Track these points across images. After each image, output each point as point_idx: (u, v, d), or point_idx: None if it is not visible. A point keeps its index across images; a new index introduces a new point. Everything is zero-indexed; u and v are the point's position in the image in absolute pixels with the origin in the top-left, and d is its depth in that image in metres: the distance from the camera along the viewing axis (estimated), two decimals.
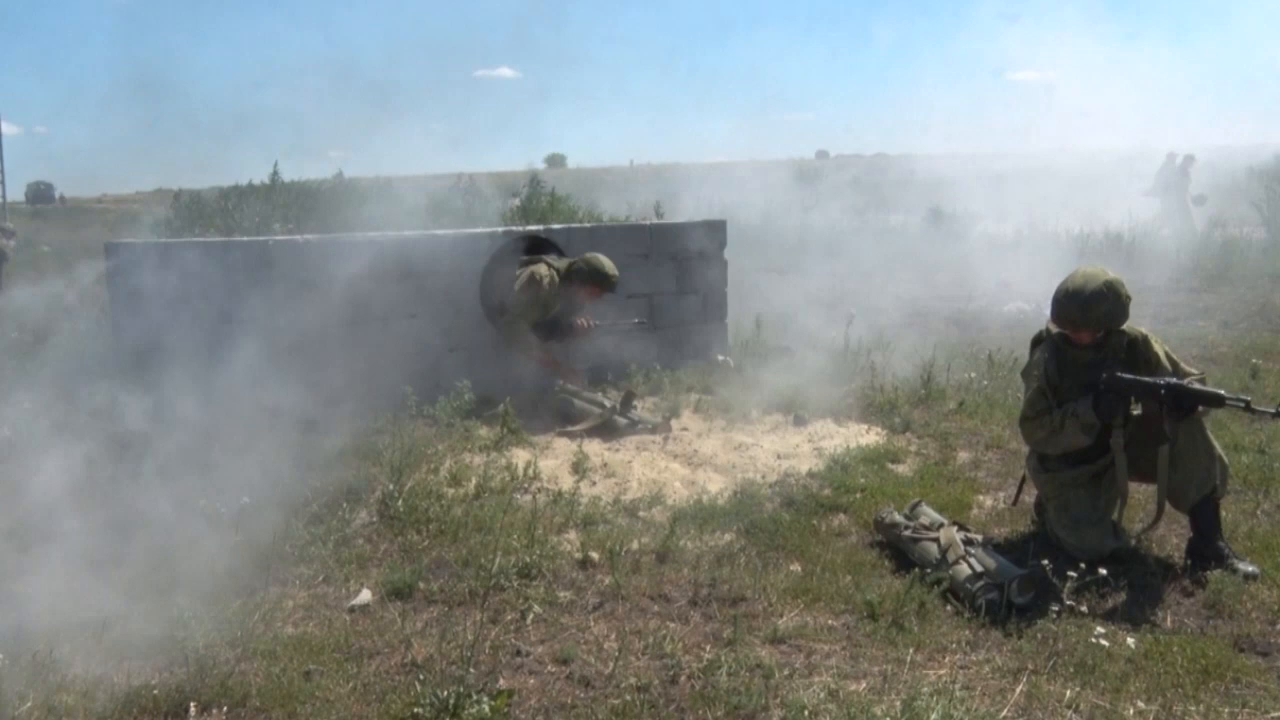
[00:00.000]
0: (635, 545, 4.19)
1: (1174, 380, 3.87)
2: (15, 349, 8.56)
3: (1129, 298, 4.01)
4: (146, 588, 3.84)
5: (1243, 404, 3.79)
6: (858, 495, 4.78)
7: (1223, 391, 3.85)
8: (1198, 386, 3.88)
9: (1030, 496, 4.49)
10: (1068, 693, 3.02)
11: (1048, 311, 4.16)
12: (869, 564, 4.04)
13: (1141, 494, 4.36)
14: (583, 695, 3.05)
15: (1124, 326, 4.07)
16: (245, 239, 7.86)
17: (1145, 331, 4.15)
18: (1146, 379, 3.89)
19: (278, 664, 3.22)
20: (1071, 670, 3.16)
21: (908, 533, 4.07)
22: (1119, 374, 3.93)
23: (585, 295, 6.54)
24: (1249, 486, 4.78)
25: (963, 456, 5.48)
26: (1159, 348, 4.08)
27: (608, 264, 6.47)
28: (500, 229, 7.39)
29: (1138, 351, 4.06)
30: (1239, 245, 15.14)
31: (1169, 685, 3.06)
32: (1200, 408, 3.88)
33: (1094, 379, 3.96)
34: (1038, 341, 4.25)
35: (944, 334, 10.00)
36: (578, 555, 4.09)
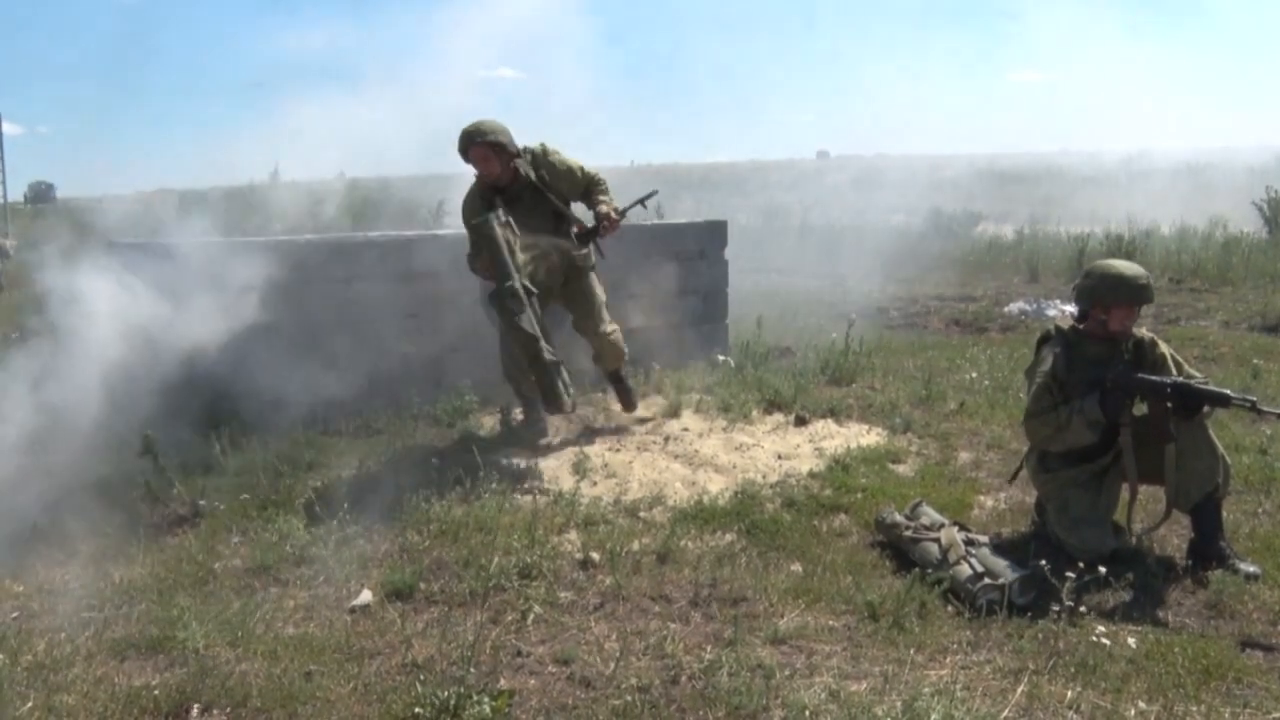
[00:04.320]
0: (636, 546, 4.19)
1: (1181, 379, 3.88)
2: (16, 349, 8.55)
3: None
4: (147, 586, 3.85)
5: (1249, 404, 3.79)
6: (858, 495, 4.77)
7: (1229, 391, 3.85)
8: (1205, 386, 3.89)
9: (1030, 496, 4.49)
10: (1069, 693, 3.02)
11: (1051, 311, 4.18)
12: (870, 564, 4.03)
13: (1143, 493, 4.35)
14: (583, 696, 3.05)
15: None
16: (245, 239, 7.86)
17: (1151, 334, 4.16)
18: (1154, 378, 3.90)
19: (278, 664, 3.22)
20: (1073, 670, 3.15)
21: (909, 533, 4.06)
22: (1128, 372, 3.94)
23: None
24: (1250, 487, 4.78)
25: (963, 457, 5.48)
26: (1165, 350, 4.10)
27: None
28: None
29: (1144, 352, 4.08)
30: (1240, 245, 15.13)
31: (1170, 685, 3.06)
32: (1205, 408, 3.88)
33: (1102, 376, 3.97)
34: (1044, 340, 4.25)
35: (945, 334, 10.01)
36: (578, 556, 4.09)
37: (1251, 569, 3.81)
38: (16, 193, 38.25)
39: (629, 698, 3.00)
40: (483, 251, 5.06)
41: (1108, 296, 4.02)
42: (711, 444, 5.66)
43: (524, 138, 5.44)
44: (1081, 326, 4.12)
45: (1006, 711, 2.93)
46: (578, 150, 5.65)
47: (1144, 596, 3.71)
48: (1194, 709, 2.94)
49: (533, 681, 3.14)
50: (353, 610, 3.65)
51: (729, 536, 4.34)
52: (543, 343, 4.99)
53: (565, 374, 5.16)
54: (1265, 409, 3.82)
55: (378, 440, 5.50)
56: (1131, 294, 3.99)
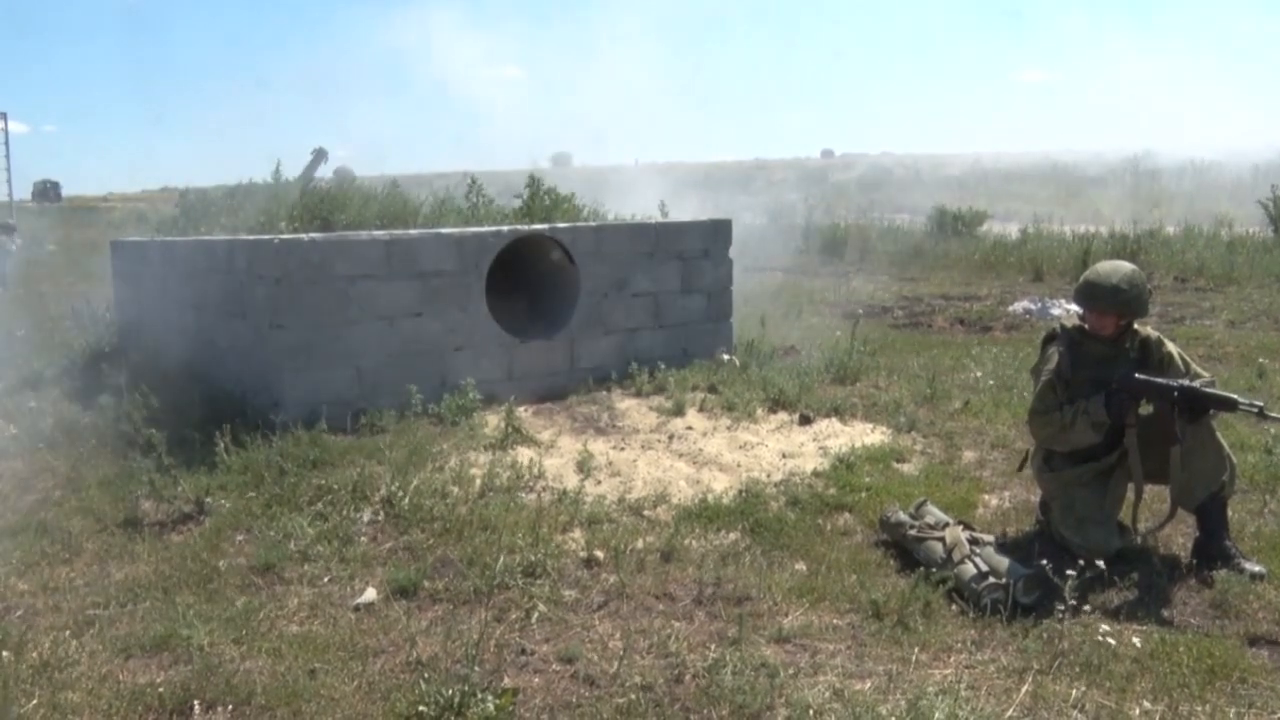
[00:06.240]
0: (640, 544, 4.19)
1: (1187, 383, 3.86)
2: (21, 346, 8.58)
3: (1150, 291, 4.13)
4: (151, 584, 3.85)
5: (1255, 409, 3.76)
6: (863, 494, 4.77)
7: (1236, 396, 3.84)
8: (1211, 390, 3.87)
9: (1035, 496, 4.48)
10: (1073, 692, 3.01)
11: (1056, 310, 4.19)
12: (874, 563, 4.03)
13: (1148, 493, 4.34)
14: (587, 694, 3.05)
15: (1136, 326, 4.09)
16: (250, 238, 7.87)
17: (1157, 333, 4.15)
18: (1159, 380, 3.88)
19: (282, 662, 3.22)
20: (1077, 670, 3.15)
21: (913, 532, 4.06)
22: (1133, 374, 3.92)
23: None
24: (1255, 486, 4.77)
25: (968, 456, 5.47)
26: (1172, 348, 4.09)
27: None
28: (505, 228, 7.39)
29: (1150, 351, 4.06)
30: (1245, 245, 15.10)
31: (1175, 685, 3.05)
32: (1211, 410, 3.87)
33: (1107, 375, 3.95)
34: (1049, 339, 4.25)
35: (949, 333, 10.00)
36: (582, 554, 4.09)
37: (1256, 568, 3.80)
38: (22, 191, 38.44)
39: (633, 696, 2.99)
40: None
41: (1080, 300, 4.09)
42: (716, 443, 5.66)
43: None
44: (1086, 325, 4.12)
45: (1011, 710, 2.93)
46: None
47: (1149, 596, 3.70)
48: (1199, 708, 2.93)
49: (537, 680, 3.14)
50: (357, 608, 3.65)
51: (733, 535, 4.34)
52: None
53: None
54: (1272, 415, 3.80)
55: (381, 439, 5.50)
56: (1096, 299, 4.01)
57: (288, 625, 3.53)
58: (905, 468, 5.28)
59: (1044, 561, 3.56)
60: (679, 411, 6.19)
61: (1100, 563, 3.59)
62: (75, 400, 6.64)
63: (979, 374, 7.44)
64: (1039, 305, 11.08)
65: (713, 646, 3.31)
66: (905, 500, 4.48)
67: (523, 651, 3.31)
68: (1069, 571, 3.40)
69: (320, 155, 19.92)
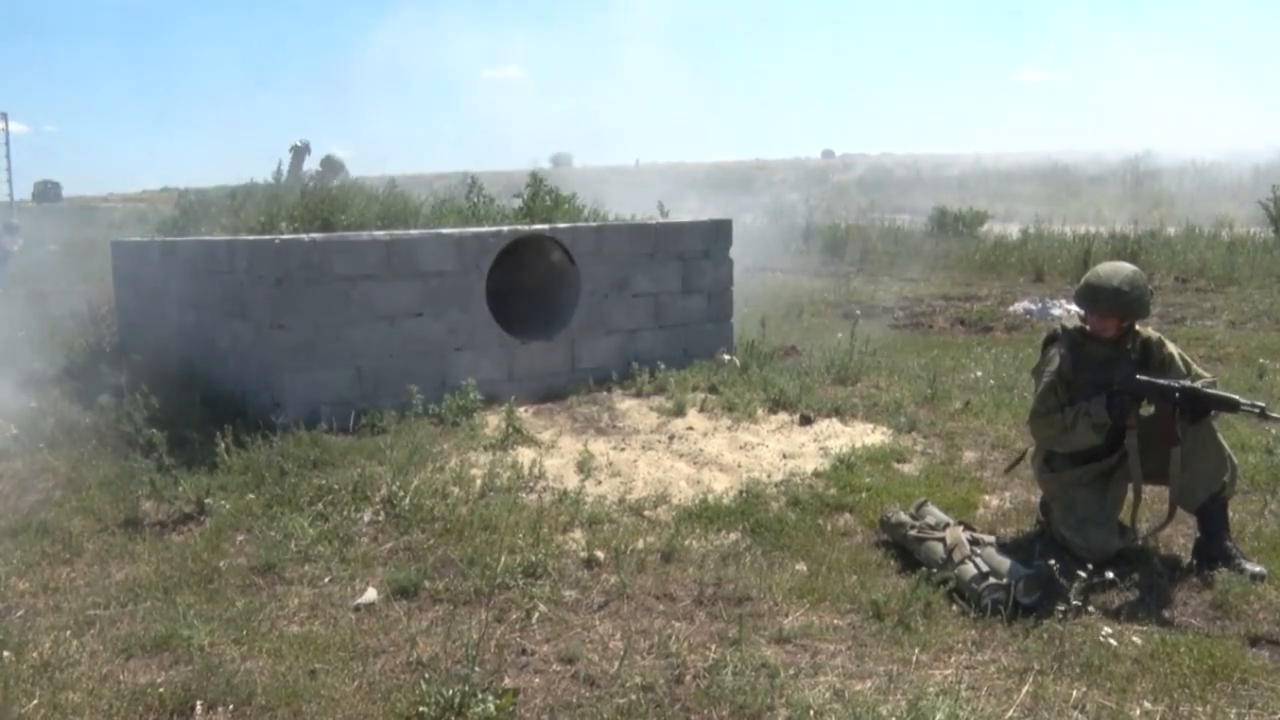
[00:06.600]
0: (640, 544, 4.19)
1: (1188, 384, 3.86)
2: (21, 346, 8.59)
3: (1151, 292, 4.12)
4: (152, 584, 3.85)
5: (1257, 410, 3.76)
6: (863, 495, 4.76)
7: (1238, 397, 3.83)
8: (1212, 391, 3.86)
9: (1035, 496, 4.48)
10: (1074, 693, 3.01)
11: (1056, 311, 4.18)
12: (874, 564, 4.03)
13: (1149, 494, 4.34)
14: (588, 694, 3.05)
15: (1138, 327, 4.09)
16: (250, 238, 7.87)
17: (1158, 334, 4.15)
18: (1161, 381, 3.88)
19: (283, 663, 3.22)
20: (1078, 670, 3.15)
21: (913, 532, 4.06)
22: (1135, 376, 3.92)
23: None
24: (1256, 487, 4.76)
25: (969, 456, 5.47)
26: (1173, 349, 4.09)
27: None
28: (506, 228, 7.39)
29: (1151, 352, 4.06)
30: (1246, 245, 15.10)
31: (1176, 685, 3.05)
32: (1212, 411, 3.87)
33: (1108, 376, 3.95)
34: (1050, 340, 4.24)
35: (950, 333, 10.00)
36: (583, 554, 4.09)
37: (1257, 569, 3.80)
38: (23, 191, 38.51)
39: (633, 696, 2.99)
40: None
41: (1081, 302, 4.08)
42: (716, 443, 5.66)
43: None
44: (1087, 327, 4.12)
45: (1011, 711, 2.93)
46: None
47: (1149, 596, 3.70)
48: (1199, 709, 2.93)
49: (537, 680, 3.14)
50: (357, 608, 3.65)
51: (733, 535, 4.34)
52: None
53: None
54: (1273, 415, 3.79)
55: (382, 439, 5.50)
56: (1097, 301, 4.01)
57: (288, 625, 3.53)
58: (906, 468, 5.27)
59: (1051, 562, 3.56)
60: (679, 412, 6.20)
61: (1110, 573, 3.58)
62: (76, 400, 6.65)
63: (979, 374, 7.44)
64: (1039, 306, 11.08)
65: (713, 647, 3.31)
66: (906, 500, 4.48)
67: (523, 652, 3.31)
68: (1079, 573, 3.40)
69: (301, 151, 20.07)
